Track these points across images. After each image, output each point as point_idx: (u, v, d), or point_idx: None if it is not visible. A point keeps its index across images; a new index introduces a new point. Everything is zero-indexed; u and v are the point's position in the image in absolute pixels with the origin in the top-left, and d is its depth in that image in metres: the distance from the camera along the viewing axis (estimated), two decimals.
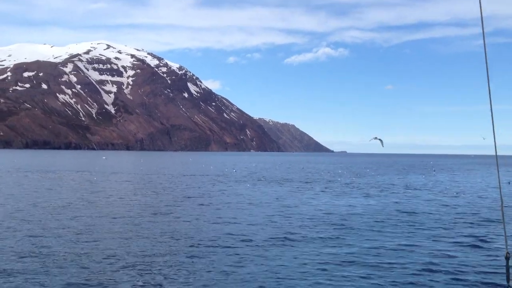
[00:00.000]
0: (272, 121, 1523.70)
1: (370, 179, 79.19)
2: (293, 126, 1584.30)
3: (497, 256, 20.68)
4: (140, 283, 16.12)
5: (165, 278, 16.99)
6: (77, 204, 39.22)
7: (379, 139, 36.30)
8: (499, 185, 6.80)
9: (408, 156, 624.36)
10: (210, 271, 17.70)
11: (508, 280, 6.44)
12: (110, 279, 16.73)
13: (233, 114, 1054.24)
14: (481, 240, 25.01)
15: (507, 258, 6.73)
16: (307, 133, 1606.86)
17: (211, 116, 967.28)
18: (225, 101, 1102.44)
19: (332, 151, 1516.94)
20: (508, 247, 6.90)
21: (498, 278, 16.72)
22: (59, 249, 20.76)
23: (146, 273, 17.51)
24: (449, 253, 21.73)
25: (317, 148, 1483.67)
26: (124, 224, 28.23)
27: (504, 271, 5.71)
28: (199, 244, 22.92)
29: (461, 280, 17.13)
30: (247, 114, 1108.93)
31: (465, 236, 26.28)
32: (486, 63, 6.46)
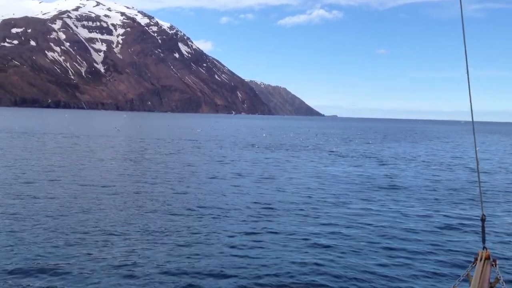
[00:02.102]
0: (263, 84, 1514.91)
1: (359, 148, 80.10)
2: (284, 89, 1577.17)
3: (473, 219, 21.35)
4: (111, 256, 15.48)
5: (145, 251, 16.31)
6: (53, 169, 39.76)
7: None
8: (475, 149, 7.38)
9: (398, 121, 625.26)
10: (179, 243, 17.83)
11: (483, 241, 6.63)
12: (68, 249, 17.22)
13: (224, 76, 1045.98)
14: (459, 205, 25.89)
15: (482, 220, 6.92)
16: (299, 97, 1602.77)
17: (202, 77, 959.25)
18: (216, 62, 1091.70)
19: (323, 115, 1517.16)
20: (483, 209, 7.06)
21: (475, 240, 17.78)
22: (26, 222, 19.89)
23: (121, 245, 16.66)
24: (429, 218, 22.39)
25: (308, 112, 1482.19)
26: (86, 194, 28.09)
27: (480, 233, 6.03)
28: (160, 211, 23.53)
29: (438, 243, 17.83)
30: (238, 76, 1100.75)
31: (444, 202, 26.73)
32: (462, 23, 6.48)
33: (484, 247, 6.49)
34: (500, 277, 6.02)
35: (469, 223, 21.06)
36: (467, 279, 6.12)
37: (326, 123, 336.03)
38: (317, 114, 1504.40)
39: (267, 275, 13.91)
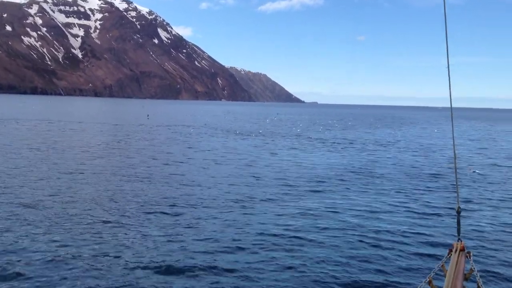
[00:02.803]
0: (244, 70, 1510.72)
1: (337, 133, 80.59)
2: (265, 75, 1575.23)
3: (449, 211, 21.71)
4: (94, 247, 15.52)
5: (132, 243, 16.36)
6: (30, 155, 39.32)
7: None
8: (453, 139, 7.39)
9: (378, 107, 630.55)
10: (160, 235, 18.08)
11: (458, 233, 6.79)
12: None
13: (205, 62, 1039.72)
14: (434, 194, 26.28)
15: (458, 213, 7.07)
16: (279, 83, 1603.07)
17: (181, 63, 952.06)
18: (196, 48, 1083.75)
19: (303, 102, 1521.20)
20: (459, 202, 7.18)
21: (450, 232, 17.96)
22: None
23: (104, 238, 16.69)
24: (404, 208, 22.66)
25: (288, 98, 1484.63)
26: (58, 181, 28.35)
27: (455, 225, 6.09)
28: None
29: (413, 234, 18.07)
30: (218, 63, 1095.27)
31: (420, 192, 27.16)
32: (445, 9, 6.50)
33: (459, 239, 6.60)
34: (474, 268, 6.13)
35: (444, 213, 21.43)
36: (442, 271, 6.23)
37: (303, 109, 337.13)
38: (298, 100, 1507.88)
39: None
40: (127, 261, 14.12)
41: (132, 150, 43.63)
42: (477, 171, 35.73)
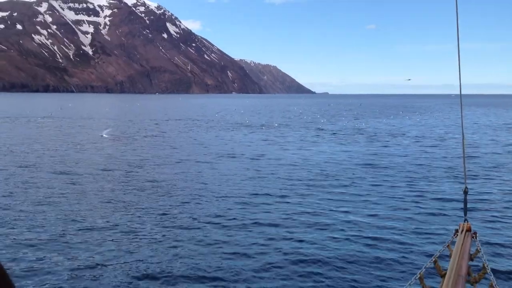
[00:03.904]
0: (253, 63, 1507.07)
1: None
2: (275, 67, 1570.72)
3: (457, 191, 22.44)
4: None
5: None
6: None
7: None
8: (462, 121, 7.60)
9: (389, 97, 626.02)
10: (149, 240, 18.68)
11: (465, 213, 6.79)
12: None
13: (214, 56, 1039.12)
14: (444, 177, 27.13)
15: (465, 193, 7.08)
16: (289, 75, 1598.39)
17: (191, 57, 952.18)
18: (205, 42, 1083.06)
19: (314, 93, 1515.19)
20: (466, 182, 7.16)
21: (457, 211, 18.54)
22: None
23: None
24: (416, 188, 23.78)
25: (299, 89, 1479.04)
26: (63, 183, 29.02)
27: (462, 205, 6.13)
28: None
29: (422, 211, 19.25)
30: (228, 56, 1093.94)
31: (430, 175, 28.01)
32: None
33: (465, 219, 6.59)
34: (480, 249, 6.15)
35: (452, 197, 22.05)
36: (448, 251, 6.24)
37: (314, 100, 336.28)
38: (308, 91, 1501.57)
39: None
40: (131, 265, 13.80)
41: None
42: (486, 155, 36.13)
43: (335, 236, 16.22)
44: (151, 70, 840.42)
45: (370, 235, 16.27)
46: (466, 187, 7.02)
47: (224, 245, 15.27)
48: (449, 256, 5.72)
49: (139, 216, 18.46)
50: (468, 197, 7.11)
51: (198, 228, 16.97)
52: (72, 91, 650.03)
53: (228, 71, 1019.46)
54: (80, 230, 16.53)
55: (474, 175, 27.41)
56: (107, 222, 17.59)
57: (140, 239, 15.83)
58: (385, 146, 44.27)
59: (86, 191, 22.73)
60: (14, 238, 15.60)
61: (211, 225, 17.47)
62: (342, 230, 16.93)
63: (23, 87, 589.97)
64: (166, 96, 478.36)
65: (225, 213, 19.07)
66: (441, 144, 45.96)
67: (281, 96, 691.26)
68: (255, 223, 17.89)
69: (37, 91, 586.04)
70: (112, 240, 15.62)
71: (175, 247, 15.10)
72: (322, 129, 65.01)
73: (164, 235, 16.22)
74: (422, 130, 64.88)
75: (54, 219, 17.69)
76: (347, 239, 15.91)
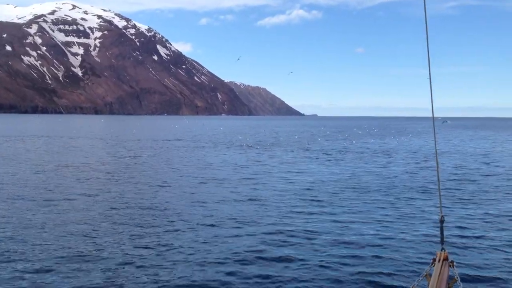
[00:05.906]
0: (243, 85, 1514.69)
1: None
2: (264, 89, 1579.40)
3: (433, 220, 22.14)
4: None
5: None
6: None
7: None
8: (435, 149, 7.39)
9: (378, 119, 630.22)
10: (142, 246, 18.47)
11: (442, 242, 6.80)
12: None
13: (204, 78, 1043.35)
14: (418, 207, 26.62)
15: (441, 222, 7.10)
16: (279, 97, 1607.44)
17: (181, 79, 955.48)
18: (195, 64, 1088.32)
19: (303, 115, 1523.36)
20: (442, 211, 7.17)
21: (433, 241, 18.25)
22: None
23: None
24: (389, 218, 22.95)
25: (288, 111, 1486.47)
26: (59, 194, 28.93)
27: (439, 233, 6.16)
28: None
29: (397, 241, 18.60)
30: (218, 78, 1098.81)
31: (404, 203, 27.55)
32: (426, 22, 6.53)
33: (442, 248, 6.60)
34: (457, 277, 6.17)
35: (429, 221, 21.85)
36: (425, 280, 6.24)
37: (303, 122, 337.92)
38: (297, 113, 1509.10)
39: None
40: (134, 274, 14.23)
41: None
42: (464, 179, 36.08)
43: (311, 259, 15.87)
44: (141, 91, 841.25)
45: (343, 261, 15.89)
46: (442, 216, 7.00)
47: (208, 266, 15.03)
48: (427, 285, 5.71)
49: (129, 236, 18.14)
50: (445, 225, 7.03)
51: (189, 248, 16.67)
52: (60, 112, 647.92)
53: (218, 93, 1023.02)
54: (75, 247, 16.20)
55: (452, 201, 27.25)
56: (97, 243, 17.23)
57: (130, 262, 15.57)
58: (356, 168, 44.12)
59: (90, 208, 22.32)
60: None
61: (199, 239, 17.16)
62: (311, 256, 16.59)
63: (11, 108, 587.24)
64: (157, 118, 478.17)
65: (199, 236, 18.75)
66: (425, 167, 45.98)
67: (272, 118, 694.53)
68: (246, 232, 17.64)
69: (25, 112, 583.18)
70: (101, 269, 15.28)
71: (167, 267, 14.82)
72: (309, 150, 64.99)
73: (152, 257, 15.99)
74: (405, 150, 65.00)
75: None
76: (321, 265, 15.58)
